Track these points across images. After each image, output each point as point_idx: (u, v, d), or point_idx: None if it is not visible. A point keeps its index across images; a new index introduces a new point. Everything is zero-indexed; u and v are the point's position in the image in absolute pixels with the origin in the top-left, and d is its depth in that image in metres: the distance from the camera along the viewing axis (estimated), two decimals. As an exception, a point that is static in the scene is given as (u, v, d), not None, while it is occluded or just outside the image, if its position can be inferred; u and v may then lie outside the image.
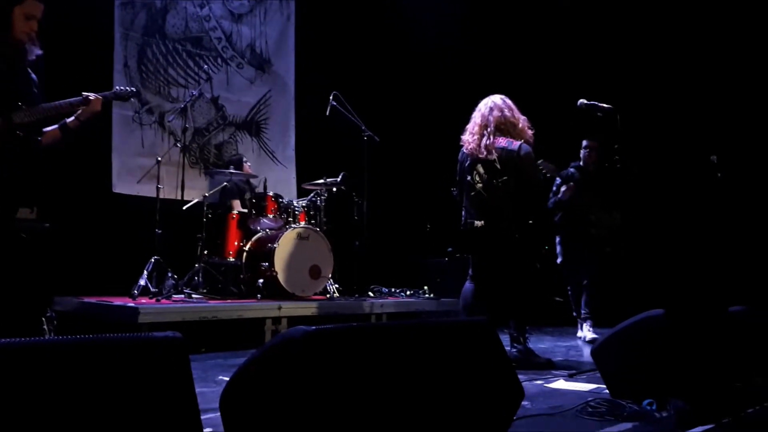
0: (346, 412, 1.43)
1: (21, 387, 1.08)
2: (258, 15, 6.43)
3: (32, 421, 1.07)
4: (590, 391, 2.69)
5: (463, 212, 3.58)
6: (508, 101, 3.55)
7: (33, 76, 2.60)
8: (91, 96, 2.65)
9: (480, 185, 3.46)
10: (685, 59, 5.45)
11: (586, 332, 4.55)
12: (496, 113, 3.48)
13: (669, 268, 5.05)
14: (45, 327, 3.38)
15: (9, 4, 2.45)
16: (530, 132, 3.51)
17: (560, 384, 2.90)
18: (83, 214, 4.67)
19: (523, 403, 1.99)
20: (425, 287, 5.74)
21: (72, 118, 2.63)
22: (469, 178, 3.51)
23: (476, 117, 3.56)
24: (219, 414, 1.51)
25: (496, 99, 3.55)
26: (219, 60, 6.08)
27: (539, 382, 2.93)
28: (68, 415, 1.12)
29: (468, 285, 3.57)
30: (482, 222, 3.44)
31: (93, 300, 4.08)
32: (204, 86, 5.33)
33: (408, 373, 1.63)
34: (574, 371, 3.15)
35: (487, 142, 3.44)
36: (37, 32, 2.52)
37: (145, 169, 4.96)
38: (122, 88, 2.90)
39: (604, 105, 3.65)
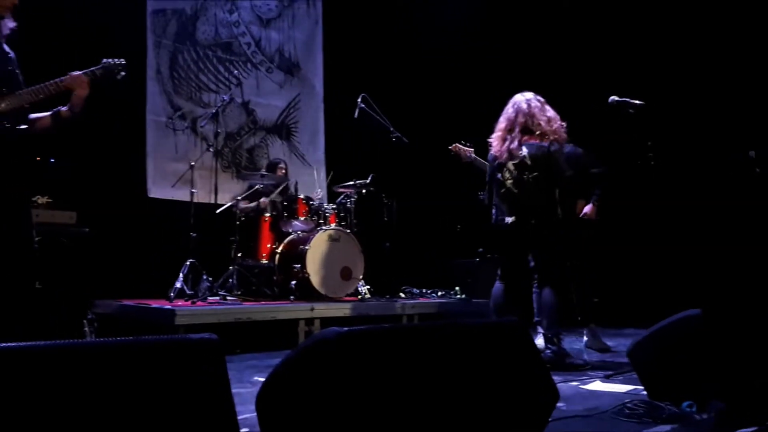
0: (379, 412, 1.43)
1: (64, 387, 1.11)
2: (286, 19, 6.50)
3: (75, 421, 1.10)
4: (627, 393, 2.64)
5: (493, 210, 3.56)
6: (536, 100, 3.51)
7: (11, 53, 2.40)
8: (75, 73, 2.38)
9: (510, 181, 3.44)
10: (722, 50, 5.31)
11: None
12: (521, 117, 3.47)
13: (706, 266, 4.92)
14: (86, 329, 3.48)
15: None
16: (558, 127, 3.45)
17: (596, 385, 2.85)
18: (120, 218, 4.79)
19: (558, 404, 1.97)
20: (456, 288, 5.71)
21: (65, 108, 2.42)
22: (499, 175, 3.50)
23: (503, 118, 3.57)
24: (255, 414, 1.54)
25: (523, 99, 3.53)
26: (249, 65, 6.16)
27: (575, 383, 2.89)
28: (109, 415, 1.14)
29: (498, 285, 3.55)
30: (513, 218, 3.42)
31: (131, 303, 4.18)
32: (234, 91, 5.41)
33: (441, 375, 1.62)
34: (610, 372, 3.10)
35: (512, 146, 3.44)
36: (16, 4, 2.32)
37: (179, 173, 5.06)
38: (109, 60, 2.53)
39: (636, 101, 3.58)
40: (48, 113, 2.41)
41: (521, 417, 1.78)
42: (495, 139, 3.56)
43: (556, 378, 1.94)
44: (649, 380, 2.46)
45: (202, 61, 5.82)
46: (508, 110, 3.56)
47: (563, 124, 3.50)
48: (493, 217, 3.55)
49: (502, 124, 3.55)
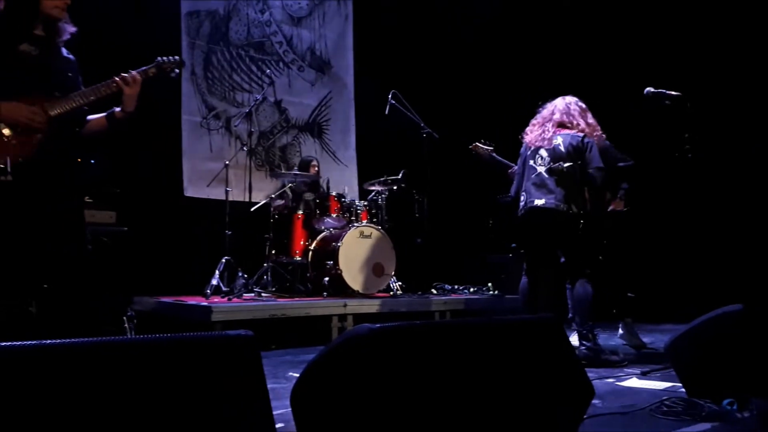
0: (412, 409, 1.44)
1: (106, 383, 1.15)
2: (317, 17, 6.54)
3: (116, 416, 1.13)
4: (665, 390, 2.59)
5: (522, 196, 3.54)
6: (578, 104, 3.55)
7: (71, 57, 2.41)
8: (129, 74, 2.37)
9: (542, 168, 3.44)
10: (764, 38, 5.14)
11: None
12: (557, 114, 3.50)
13: (747, 261, 4.78)
14: (126, 325, 3.57)
15: None
16: (598, 134, 3.48)
17: (633, 382, 2.81)
18: (158, 217, 4.90)
19: (593, 401, 1.95)
20: (489, 284, 5.68)
21: (119, 108, 2.42)
22: (531, 162, 3.51)
23: (538, 115, 3.61)
24: (290, 409, 1.56)
25: (562, 100, 3.56)
26: (281, 64, 6.22)
27: (610, 380, 2.85)
28: (148, 411, 1.17)
29: (524, 280, 3.53)
30: (544, 200, 3.39)
31: (169, 299, 4.28)
32: (267, 90, 5.47)
33: (474, 372, 1.62)
34: (647, 369, 3.05)
35: (546, 134, 3.47)
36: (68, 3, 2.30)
37: (214, 172, 5.15)
38: (163, 58, 2.52)
39: (673, 92, 3.50)
40: (102, 114, 2.44)
41: (556, 414, 1.77)
42: (528, 130, 3.59)
43: (591, 374, 1.92)
44: (687, 377, 2.41)
45: (235, 61, 5.91)
46: (548, 106, 3.60)
47: (602, 135, 3.51)
48: (522, 202, 3.53)
49: (536, 119, 3.59)
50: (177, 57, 2.56)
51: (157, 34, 5.13)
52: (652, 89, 3.56)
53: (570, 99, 3.58)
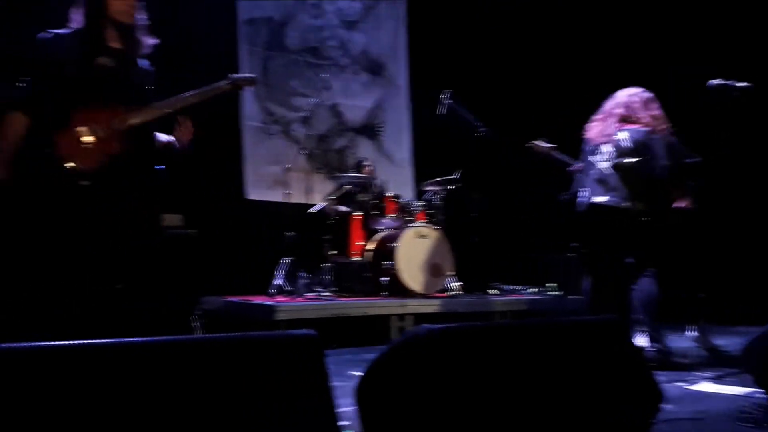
0: (472, 410, 1.44)
1: (175, 380, 1.19)
2: (371, 21, 6.59)
3: (184, 413, 1.17)
4: (742, 395, 2.47)
5: (583, 193, 3.43)
6: (641, 95, 3.41)
7: (150, 68, 2.53)
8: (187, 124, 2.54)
9: (604, 164, 3.33)
10: None
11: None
12: (619, 108, 3.38)
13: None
14: (195, 324, 3.71)
15: None
16: (664, 126, 3.34)
17: (706, 386, 2.69)
18: (222, 220, 5.06)
19: (663, 406, 1.88)
20: (551, 284, 5.57)
21: (174, 139, 2.55)
22: (592, 158, 3.41)
23: (604, 107, 3.49)
24: (353, 407, 1.59)
25: (624, 93, 3.44)
26: (336, 68, 6.31)
27: (681, 384, 2.73)
28: (216, 408, 1.21)
29: (586, 280, 3.44)
30: (606, 198, 3.29)
31: (235, 299, 4.41)
32: (323, 94, 5.56)
33: (536, 374, 1.60)
34: (721, 373, 2.91)
35: (609, 130, 3.36)
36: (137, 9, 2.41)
37: (274, 176, 5.28)
38: (235, 75, 2.66)
39: (741, 83, 3.32)
40: (165, 139, 2.56)
41: (622, 420, 1.72)
42: (590, 126, 3.50)
43: (660, 378, 1.85)
44: (767, 382, 2.29)
45: (292, 66, 6.03)
46: (607, 103, 3.48)
47: (669, 127, 3.36)
48: (582, 200, 3.42)
49: (599, 114, 3.49)
50: (253, 75, 2.70)
51: (216, 43, 5.31)
52: (718, 81, 3.39)
53: (632, 91, 3.44)
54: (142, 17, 2.47)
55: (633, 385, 1.77)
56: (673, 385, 2.68)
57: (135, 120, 2.38)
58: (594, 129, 3.45)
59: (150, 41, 2.48)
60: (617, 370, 1.77)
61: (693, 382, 2.75)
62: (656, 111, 3.37)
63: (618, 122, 3.37)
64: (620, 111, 3.39)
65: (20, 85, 2.32)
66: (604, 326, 1.87)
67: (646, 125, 3.32)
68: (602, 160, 3.35)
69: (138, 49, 2.46)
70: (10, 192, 2.31)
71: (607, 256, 3.41)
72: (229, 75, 2.64)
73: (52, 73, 2.31)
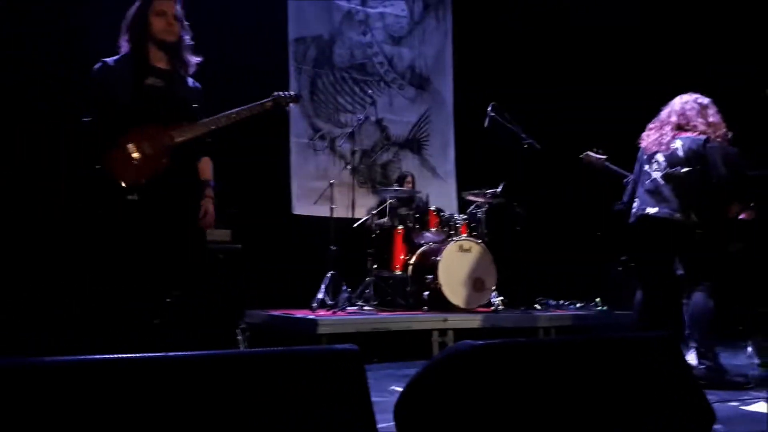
0: (514, 430, 1.43)
1: (220, 394, 1.23)
2: (417, 36, 6.65)
3: (227, 426, 1.20)
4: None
5: (635, 203, 3.36)
6: (696, 102, 3.31)
7: (197, 86, 2.63)
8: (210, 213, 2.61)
9: (658, 173, 3.25)
10: None
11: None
12: (674, 116, 3.30)
13: None
14: (239, 337, 3.80)
15: (144, 8, 2.48)
16: (722, 133, 3.22)
17: (760, 406, 2.58)
18: (268, 234, 5.17)
19: (715, 427, 1.82)
20: (597, 299, 5.44)
21: (211, 186, 2.65)
22: (646, 167, 3.33)
23: (659, 116, 3.42)
24: (393, 423, 1.60)
25: (679, 100, 3.36)
26: (382, 83, 6.38)
27: (734, 403, 2.63)
28: (259, 422, 1.23)
29: (639, 293, 3.34)
30: (657, 209, 3.20)
31: (278, 313, 4.48)
32: (369, 110, 5.63)
33: (582, 393, 1.58)
34: (776, 393, 2.79)
35: (664, 138, 3.27)
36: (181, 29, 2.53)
37: (320, 191, 5.36)
38: (280, 93, 2.75)
39: None
40: (206, 178, 2.65)
41: (670, 441, 1.67)
42: (645, 135, 3.42)
43: (711, 397, 1.79)
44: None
45: (339, 83, 6.14)
46: (663, 110, 3.41)
47: (728, 132, 3.24)
48: (633, 210, 3.34)
49: (654, 122, 3.41)
50: (294, 92, 2.75)
51: (266, 61, 5.46)
52: None
53: (687, 98, 3.34)
54: (186, 37, 2.58)
55: (684, 404, 1.73)
56: (726, 404, 2.59)
57: (182, 137, 2.47)
58: (648, 138, 3.38)
59: (194, 60, 2.58)
60: (668, 389, 1.72)
61: (748, 402, 2.65)
62: (713, 118, 3.26)
63: (673, 130, 3.28)
64: (675, 119, 3.30)
65: (85, 120, 2.45)
66: (655, 342, 1.83)
67: (702, 133, 3.21)
68: (655, 170, 3.27)
69: (184, 67, 2.57)
70: (65, 207, 2.43)
71: (658, 268, 3.32)
72: (274, 93, 2.72)
73: (106, 100, 2.43)
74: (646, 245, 3.33)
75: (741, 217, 3.84)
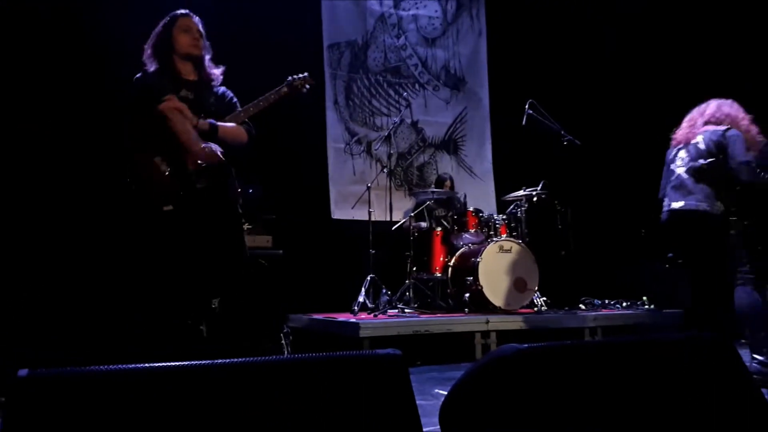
0: (563, 433, 1.40)
1: (264, 401, 1.24)
2: (450, 36, 6.63)
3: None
4: None
5: (665, 201, 3.33)
6: (730, 106, 3.28)
7: (228, 93, 2.71)
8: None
9: (682, 168, 3.23)
10: None
11: None
12: (710, 112, 3.27)
13: None
14: (283, 341, 3.85)
15: (168, 28, 2.58)
16: (755, 135, 3.19)
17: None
18: (309, 239, 5.23)
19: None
20: (644, 298, 5.30)
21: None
22: (672, 166, 3.32)
23: (692, 111, 3.40)
24: (438, 427, 1.59)
25: (714, 102, 3.33)
26: (416, 85, 6.38)
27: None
28: (302, 429, 1.25)
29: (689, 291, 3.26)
30: (682, 203, 3.15)
31: (320, 316, 4.51)
32: (404, 113, 5.63)
33: (631, 396, 1.54)
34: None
35: (690, 133, 3.27)
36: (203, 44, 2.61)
37: (358, 195, 5.39)
38: (294, 76, 2.78)
39: None
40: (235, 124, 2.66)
41: (726, 445, 1.62)
42: (677, 130, 3.42)
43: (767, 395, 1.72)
44: None
45: (373, 87, 6.17)
46: (699, 107, 3.37)
47: (763, 140, 3.18)
48: (664, 207, 3.31)
49: (684, 122, 3.39)
50: (306, 73, 2.76)
51: (301, 69, 5.51)
52: None
53: (725, 100, 3.32)
54: (207, 49, 2.67)
55: (739, 406, 1.67)
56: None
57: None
58: (677, 135, 3.38)
59: (218, 71, 2.67)
60: (722, 390, 1.67)
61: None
62: (745, 121, 3.22)
63: (702, 125, 3.27)
64: (709, 112, 3.29)
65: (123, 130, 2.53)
66: (706, 342, 1.77)
67: (727, 124, 3.18)
68: (680, 166, 3.27)
69: (211, 78, 2.66)
70: (102, 218, 2.49)
71: (695, 263, 3.24)
72: (288, 78, 2.76)
73: (146, 110, 2.49)
74: (677, 241, 3.26)
75: None
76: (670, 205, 3.26)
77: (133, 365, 1.17)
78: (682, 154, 3.28)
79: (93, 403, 1.10)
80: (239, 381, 1.23)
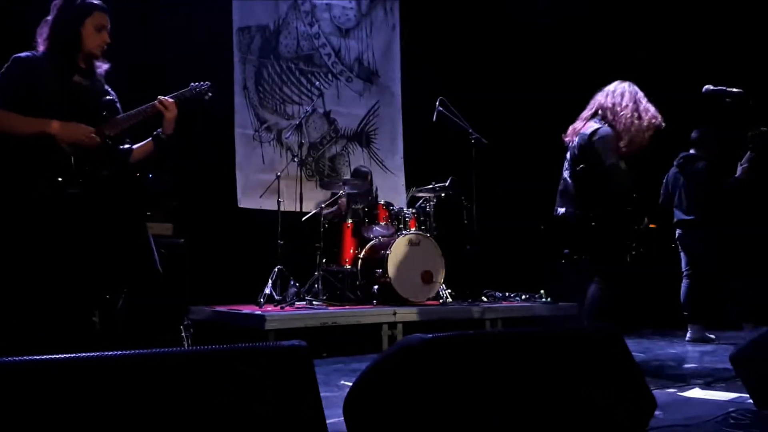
0: (465, 421, 1.43)
1: (164, 393, 1.18)
2: (364, 28, 6.61)
3: (173, 425, 1.17)
4: (730, 401, 2.48)
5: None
6: (625, 89, 3.19)
7: (111, 91, 2.59)
8: (164, 98, 2.51)
9: (567, 172, 3.29)
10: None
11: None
12: (600, 100, 3.23)
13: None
14: (183, 334, 3.69)
15: (80, 17, 2.40)
16: (625, 117, 3.10)
17: (695, 392, 2.70)
18: (213, 228, 5.04)
19: (655, 413, 1.88)
20: (541, 291, 5.58)
21: (160, 130, 2.52)
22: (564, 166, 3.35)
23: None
24: (342, 419, 1.58)
25: (611, 86, 3.26)
26: (329, 75, 6.31)
27: (672, 390, 2.75)
28: (206, 420, 1.20)
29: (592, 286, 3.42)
30: (564, 209, 3.26)
31: (224, 309, 4.38)
32: (317, 102, 5.56)
33: (529, 383, 1.60)
34: (710, 379, 2.92)
35: (574, 132, 3.26)
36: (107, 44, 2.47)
37: (267, 184, 5.26)
38: (196, 84, 2.65)
39: (734, 89, 3.35)
40: (148, 139, 2.55)
41: (616, 427, 1.72)
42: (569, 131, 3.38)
43: (651, 385, 1.85)
44: (756, 388, 2.30)
45: (285, 74, 6.03)
46: (594, 96, 3.33)
47: (638, 121, 3.09)
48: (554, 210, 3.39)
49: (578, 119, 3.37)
50: (208, 83, 2.67)
51: (210, 52, 5.29)
52: (711, 87, 3.41)
53: (622, 83, 3.22)
54: None
55: (627, 393, 1.78)
56: (663, 391, 2.69)
57: (113, 131, 2.45)
58: (568, 132, 3.33)
59: (104, 65, 2.53)
60: (611, 378, 1.77)
61: (683, 389, 2.76)
62: (638, 104, 3.13)
63: (585, 121, 3.23)
64: (600, 101, 3.23)
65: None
66: (598, 334, 1.88)
67: (603, 118, 3.15)
68: (565, 170, 3.29)
69: (97, 71, 2.53)
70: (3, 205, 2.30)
71: (574, 264, 3.38)
72: (190, 84, 2.64)
73: (32, 91, 2.32)
74: (560, 244, 3.38)
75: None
76: (555, 210, 3.32)
77: (22, 358, 1.08)
78: (567, 156, 3.28)
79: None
80: (136, 373, 1.17)
